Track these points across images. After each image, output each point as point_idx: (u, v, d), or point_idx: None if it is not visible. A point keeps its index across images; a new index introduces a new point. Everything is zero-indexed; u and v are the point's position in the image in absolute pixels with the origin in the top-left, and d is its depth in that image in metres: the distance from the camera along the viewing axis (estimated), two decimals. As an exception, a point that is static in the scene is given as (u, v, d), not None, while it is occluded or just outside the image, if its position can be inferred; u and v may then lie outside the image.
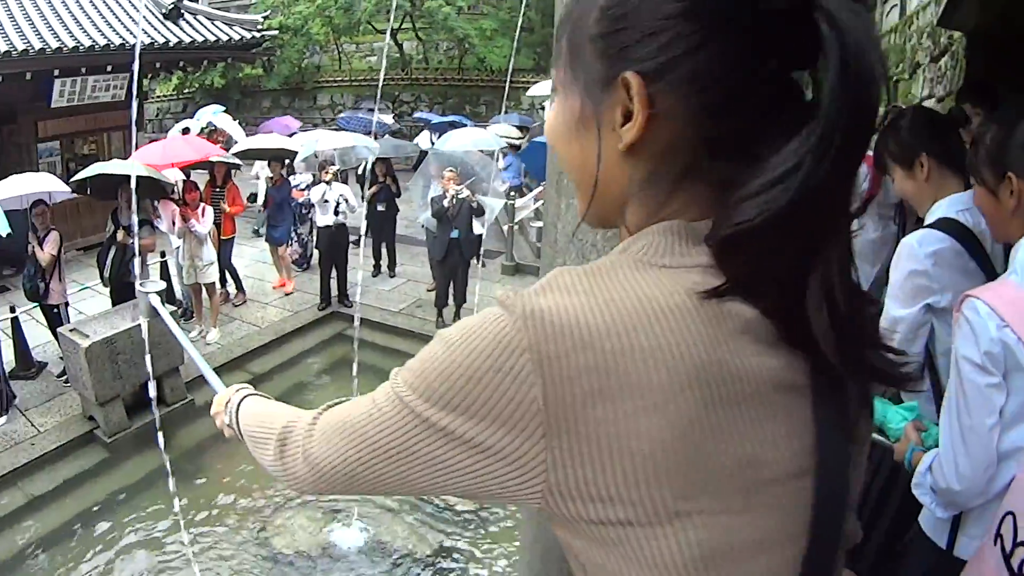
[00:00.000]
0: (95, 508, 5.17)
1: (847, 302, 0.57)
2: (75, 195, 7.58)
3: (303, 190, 9.03)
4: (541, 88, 14.56)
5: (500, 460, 0.57)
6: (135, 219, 5.92)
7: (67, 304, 6.65)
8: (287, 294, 8.74)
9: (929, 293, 1.89)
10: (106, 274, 6.71)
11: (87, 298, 7.10)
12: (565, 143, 0.68)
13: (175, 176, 7.95)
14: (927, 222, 1.95)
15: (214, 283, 7.56)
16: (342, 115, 17.02)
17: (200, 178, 8.45)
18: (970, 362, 1.35)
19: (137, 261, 5.84)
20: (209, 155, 8.58)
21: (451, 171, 7.68)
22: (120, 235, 6.53)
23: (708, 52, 0.57)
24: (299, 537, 4.82)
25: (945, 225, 1.88)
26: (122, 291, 6.65)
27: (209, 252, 7.37)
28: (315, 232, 8.85)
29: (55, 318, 6.49)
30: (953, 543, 1.53)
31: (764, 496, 0.57)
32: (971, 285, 1.87)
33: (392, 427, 0.62)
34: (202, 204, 7.31)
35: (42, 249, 6.28)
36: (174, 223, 7.20)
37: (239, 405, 1.02)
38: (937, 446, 1.55)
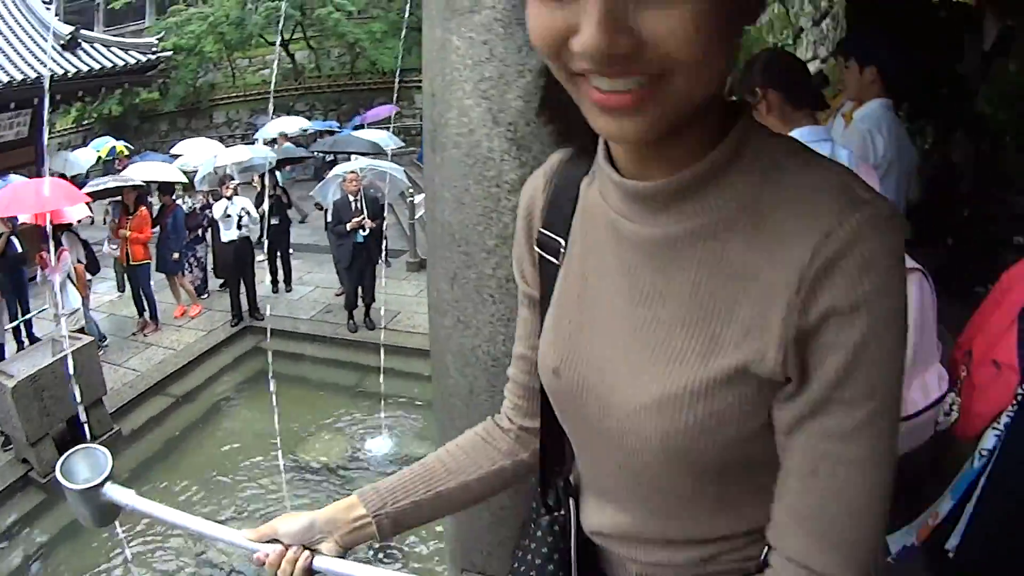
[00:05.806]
0: (39, 551, 5.22)
1: None
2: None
3: (198, 211, 8.95)
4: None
5: None
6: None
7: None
8: (192, 317, 8.72)
9: None
10: None
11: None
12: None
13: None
14: None
15: (79, 332, 7.06)
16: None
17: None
18: None
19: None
20: (53, 207, 7.10)
21: (353, 173, 7.91)
22: None
23: None
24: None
25: None
26: None
27: (71, 299, 7.18)
28: (210, 253, 8.87)
29: None
30: None
31: None
32: None
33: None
34: (59, 248, 7.07)
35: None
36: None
37: None
38: None
